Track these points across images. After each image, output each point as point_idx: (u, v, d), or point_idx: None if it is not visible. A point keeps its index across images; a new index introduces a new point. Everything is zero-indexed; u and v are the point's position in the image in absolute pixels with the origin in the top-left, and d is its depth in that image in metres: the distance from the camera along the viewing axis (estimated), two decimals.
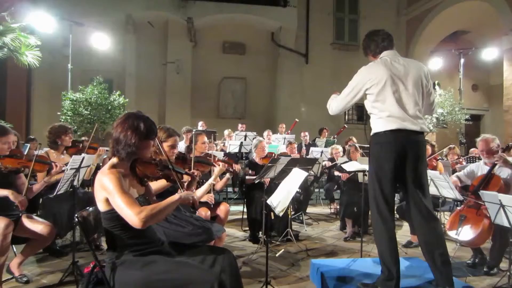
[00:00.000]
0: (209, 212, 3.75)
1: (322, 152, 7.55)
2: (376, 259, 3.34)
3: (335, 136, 9.86)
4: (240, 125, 10.03)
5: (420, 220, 2.76)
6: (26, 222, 3.23)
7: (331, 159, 6.81)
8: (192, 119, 12.64)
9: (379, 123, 2.75)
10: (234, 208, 6.40)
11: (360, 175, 4.71)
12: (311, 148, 8.16)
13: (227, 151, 7.82)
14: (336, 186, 6.46)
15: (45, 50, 9.48)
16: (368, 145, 2.96)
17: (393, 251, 2.72)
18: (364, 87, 2.77)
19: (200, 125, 9.85)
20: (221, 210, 3.99)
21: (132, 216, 1.81)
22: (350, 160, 5.60)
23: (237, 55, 14.31)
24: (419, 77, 2.78)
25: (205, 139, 4.22)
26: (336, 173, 5.71)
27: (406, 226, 4.95)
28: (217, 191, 4.72)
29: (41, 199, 3.98)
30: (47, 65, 10.12)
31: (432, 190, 3.81)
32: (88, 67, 11.76)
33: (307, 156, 7.80)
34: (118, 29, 12.64)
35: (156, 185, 2.59)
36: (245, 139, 8.56)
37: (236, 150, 7.82)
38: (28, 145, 6.86)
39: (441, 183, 3.93)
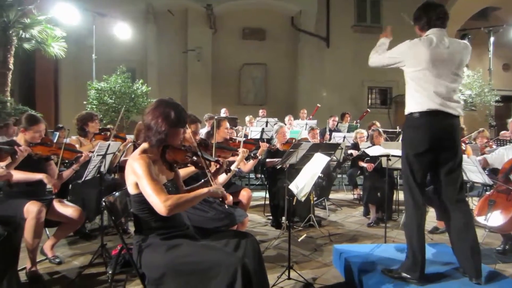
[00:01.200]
0: (231, 198, 3.79)
1: (344, 137, 7.47)
2: (401, 245, 3.33)
3: (358, 120, 9.72)
4: (261, 111, 10.02)
5: (449, 206, 2.70)
6: (57, 206, 3.35)
7: (355, 144, 6.72)
8: (213, 106, 12.72)
9: (414, 103, 2.68)
10: (256, 194, 6.45)
11: (384, 160, 4.64)
12: (333, 134, 8.09)
13: (249, 138, 7.84)
14: (359, 171, 6.40)
15: (70, 41, 9.71)
16: (392, 130, 2.91)
17: (421, 237, 2.68)
18: (402, 63, 2.73)
19: (223, 112, 9.90)
20: (243, 195, 4.02)
21: (159, 203, 1.87)
22: (374, 145, 5.52)
23: (257, 41, 14.21)
24: (461, 62, 2.69)
25: (227, 124, 4.24)
26: (362, 164, 5.62)
27: (431, 211, 4.86)
28: (244, 174, 4.74)
29: (70, 185, 4.12)
30: (73, 55, 10.37)
31: None
32: (112, 56, 11.94)
33: (329, 142, 7.73)
34: (139, 19, 12.76)
35: (184, 171, 2.63)
36: (266, 125, 8.56)
37: (258, 136, 7.83)
38: (57, 133, 7.07)
39: (469, 167, 3.83)
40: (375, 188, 5.07)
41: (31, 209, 3.01)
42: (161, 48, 13.50)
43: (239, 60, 14.17)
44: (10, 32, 8.66)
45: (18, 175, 3.12)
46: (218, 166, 2.43)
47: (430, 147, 2.63)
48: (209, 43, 13.76)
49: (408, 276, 2.67)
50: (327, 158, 3.06)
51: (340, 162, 6.48)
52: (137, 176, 1.96)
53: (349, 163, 7.13)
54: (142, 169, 1.94)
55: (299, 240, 4.32)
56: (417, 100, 2.67)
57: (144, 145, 2.13)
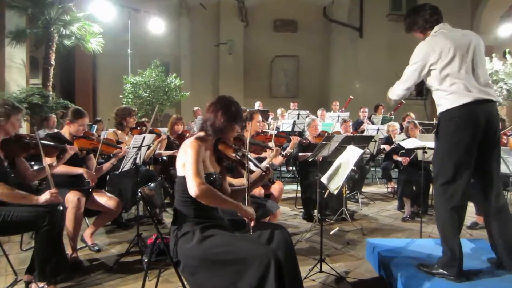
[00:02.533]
0: (262, 190, 3.80)
1: (378, 129, 7.30)
2: (437, 240, 3.22)
3: (392, 112, 9.45)
4: (292, 104, 9.95)
5: (489, 200, 2.60)
6: (96, 196, 3.50)
7: (388, 138, 6.56)
8: (245, 99, 12.76)
9: (450, 99, 2.55)
10: (287, 187, 6.44)
11: (419, 152, 4.50)
12: (366, 126, 7.92)
13: (280, 130, 7.82)
14: (393, 164, 6.25)
15: (107, 37, 10.02)
16: (428, 122, 2.81)
17: (458, 233, 2.60)
18: (428, 63, 2.57)
19: (258, 105, 9.91)
20: (275, 188, 4.02)
21: (193, 183, 1.98)
22: (409, 137, 5.36)
23: (288, 33, 14.10)
24: (481, 45, 2.60)
25: (260, 117, 4.24)
26: (396, 158, 5.47)
27: (470, 206, 4.68)
28: (275, 167, 4.75)
29: (108, 176, 4.28)
30: (109, 51, 10.69)
31: (502, 168, 3.54)
32: (146, 51, 12.23)
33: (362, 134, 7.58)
34: (172, 13, 12.96)
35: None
36: (298, 118, 8.50)
37: (289, 129, 7.80)
38: (95, 126, 7.34)
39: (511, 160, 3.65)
40: (410, 182, 4.93)
41: (71, 198, 3.16)
42: (193, 41, 13.67)
43: (271, 53, 14.11)
44: (52, 29, 9.06)
45: (61, 169, 3.28)
46: (263, 173, 2.44)
47: (472, 139, 2.52)
48: (241, 36, 13.78)
49: (445, 272, 2.59)
50: (360, 151, 3.01)
51: (373, 155, 6.35)
52: (186, 156, 2.08)
53: (383, 156, 6.97)
54: (192, 152, 2.07)
55: (331, 233, 4.28)
56: (451, 99, 2.55)
57: (200, 133, 2.25)
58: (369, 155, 6.18)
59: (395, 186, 6.09)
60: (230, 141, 2.29)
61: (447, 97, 2.57)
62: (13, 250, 3.56)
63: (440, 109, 2.65)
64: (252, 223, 2.14)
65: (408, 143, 4.63)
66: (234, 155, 2.26)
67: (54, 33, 9.13)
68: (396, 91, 2.80)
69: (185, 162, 2.08)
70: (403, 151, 5.22)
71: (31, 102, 7.94)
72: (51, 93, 8.97)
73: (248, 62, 13.90)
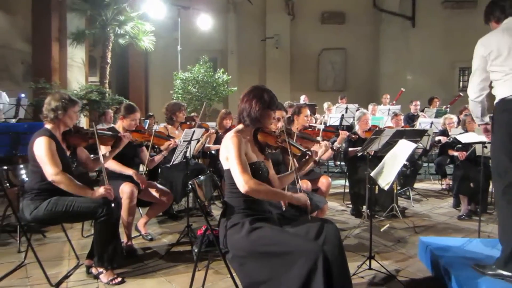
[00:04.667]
0: (310, 184, 3.77)
1: (432, 123, 6.96)
2: (498, 240, 3.04)
3: (448, 105, 8.97)
4: (340, 100, 9.75)
5: None
6: (149, 188, 3.66)
7: (443, 131, 6.23)
8: (291, 93, 12.70)
9: (505, 88, 2.43)
10: (335, 182, 6.34)
11: (478, 147, 4.24)
12: (419, 119, 7.58)
13: (328, 125, 7.70)
14: (448, 160, 5.93)
15: (158, 35, 10.39)
16: (488, 115, 2.64)
17: None
18: (488, 60, 2.52)
19: (303, 99, 9.84)
20: (323, 183, 3.98)
21: (241, 181, 2.02)
22: (466, 131, 5.06)
23: (336, 25, 13.81)
24: None
25: (308, 112, 4.20)
26: (452, 153, 5.18)
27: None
28: (323, 162, 4.70)
29: (160, 169, 4.46)
30: (160, 48, 11.09)
31: None
32: (194, 47, 12.53)
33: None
34: (219, 9, 13.15)
35: None
36: (346, 112, 8.31)
37: (337, 123, 7.65)
38: (148, 121, 7.66)
39: None
40: (467, 178, 4.65)
41: (125, 189, 3.33)
42: (240, 37, 13.79)
43: (318, 45, 13.91)
44: (108, 29, 9.55)
45: (114, 166, 3.48)
46: (307, 157, 2.46)
47: None
48: (288, 30, 13.70)
49: (504, 273, 2.43)
50: (413, 145, 2.89)
51: (426, 150, 6.06)
52: (228, 151, 2.12)
53: (437, 151, 6.64)
54: (234, 146, 2.10)
55: (381, 230, 4.16)
56: (508, 87, 2.43)
57: (239, 126, 2.28)
58: (422, 149, 5.92)
59: (450, 183, 5.79)
60: (269, 129, 2.31)
61: (503, 84, 2.47)
62: (75, 236, 3.83)
63: (497, 98, 2.53)
64: (306, 187, 2.16)
65: (466, 137, 4.38)
66: (275, 141, 2.29)
67: (110, 33, 9.62)
68: (470, 93, 2.70)
69: (228, 158, 2.11)
70: (460, 145, 4.94)
71: (89, 98, 8.44)
72: (107, 89, 9.47)
73: (295, 55, 13.80)
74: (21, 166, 2.81)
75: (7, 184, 2.86)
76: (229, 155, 2.11)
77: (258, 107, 2.19)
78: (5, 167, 2.90)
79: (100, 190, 2.72)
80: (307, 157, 2.50)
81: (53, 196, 2.71)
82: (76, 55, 10.41)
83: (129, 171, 3.51)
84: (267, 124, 2.29)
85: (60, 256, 3.37)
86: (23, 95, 6.29)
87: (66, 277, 2.91)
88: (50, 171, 2.61)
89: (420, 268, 3.17)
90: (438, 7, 12.97)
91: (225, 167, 2.20)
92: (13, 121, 5.82)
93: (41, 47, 9.93)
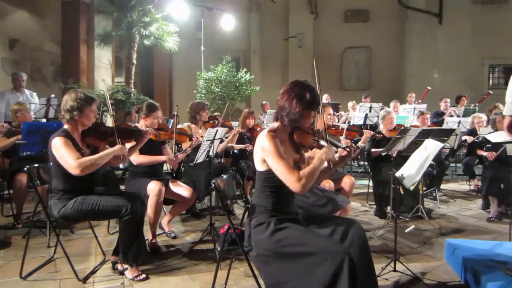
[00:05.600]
0: (332, 184, 3.74)
1: (459, 122, 6.76)
2: None
3: (476, 104, 8.69)
4: (364, 99, 9.60)
5: None
6: (172, 186, 3.72)
7: (472, 130, 6.04)
8: None
9: None
10: (359, 181, 6.26)
11: (509, 147, 4.09)
12: (446, 118, 7.37)
13: (351, 124, 7.60)
14: (477, 160, 5.75)
15: (182, 36, 10.53)
16: None
17: None
18: None
19: (326, 98, 9.76)
20: (346, 182, 3.93)
21: (293, 181, 1.93)
22: (496, 130, 4.89)
23: (360, 23, 13.62)
24: None
25: (331, 110, 4.16)
26: (481, 153, 5.01)
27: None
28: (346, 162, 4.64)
29: (183, 168, 4.52)
30: (184, 48, 11.23)
31: None
32: (217, 47, 12.62)
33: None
34: (242, 9, 13.20)
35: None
36: (370, 111, 8.18)
37: (361, 122, 7.54)
38: (172, 120, 7.76)
39: None
40: (497, 179, 4.49)
41: (153, 187, 3.40)
42: (263, 36, 13.81)
43: (341, 44, 13.75)
44: (133, 30, 9.75)
45: (146, 159, 3.56)
46: (345, 153, 2.35)
47: None
48: (310, 29, 13.61)
49: None
50: (440, 145, 2.82)
51: (454, 150, 5.90)
52: (265, 153, 2.03)
53: (465, 150, 6.44)
54: (272, 147, 2.00)
55: (406, 231, 4.08)
56: None
57: (275, 124, 2.19)
58: (449, 149, 5.76)
59: (479, 184, 5.60)
60: (306, 128, 2.18)
61: None
62: (101, 232, 3.93)
63: None
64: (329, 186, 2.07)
65: (495, 137, 4.24)
66: (312, 141, 2.16)
67: (136, 34, 9.82)
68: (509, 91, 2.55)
69: (267, 159, 2.02)
70: (489, 145, 4.78)
71: (116, 98, 8.64)
72: (133, 89, 9.67)
73: (317, 54, 13.69)
74: (51, 164, 2.90)
75: (38, 182, 2.95)
76: (267, 156, 2.02)
77: (299, 108, 2.06)
78: (36, 165, 2.99)
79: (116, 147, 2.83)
80: (345, 153, 2.36)
81: (78, 195, 2.78)
82: (103, 56, 10.68)
83: (162, 158, 3.66)
84: (305, 124, 2.17)
85: (87, 252, 3.47)
86: (53, 95, 6.50)
87: (93, 272, 2.99)
88: (72, 164, 2.58)
89: (447, 271, 3.09)
90: (466, 2, 12.56)
91: (259, 168, 2.13)
92: (43, 120, 6.02)
93: (70, 49, 10.23)
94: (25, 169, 2.93)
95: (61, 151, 2.64)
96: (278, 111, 2.15)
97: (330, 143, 2.21)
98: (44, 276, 2.93)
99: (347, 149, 2.30)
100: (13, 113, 4.58)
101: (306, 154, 2.36)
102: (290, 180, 1.93)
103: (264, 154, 2.03)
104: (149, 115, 3.71)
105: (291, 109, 2.07)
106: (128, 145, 3.17)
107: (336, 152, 2.32)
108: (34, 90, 6.81)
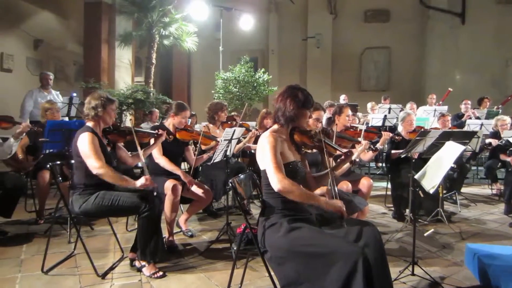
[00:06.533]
0: (350, 186, 3.70)
1: (482, 124, 6.61)
2: None
3: (500, 106, 8.46)
4: (383, 101, 9.47)
5: None
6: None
7: (495, 133, 5.89)
8: (332, 93, 12.52)
9: None
10: (377, 183, 6.18)
11: None
12: (468, 121, 7.21)
13: (370, 125, 7.51)
14: (500, 163, 5.61)
15: (201, 36, 10.60)
16: None
17: None
18: None
19: (343, 99, 9.68)
20: (364, 184, 3.89)
21: (275, 179, 2.02)
22: None
23: (380, 23, 13.44)
24: None
25: (349, 111, 4.13)
26: (505, 158, 4.87)
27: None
28: (364, 163, 4.60)
29: (200, 167, 4.55)
30: (202, 48, 11.30)
31: None
32: (236, 47, 12.66)
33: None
34: (261, 10, 13.20)
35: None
36: (389, 112, 8.07)
37: (379, 123, 7.45)
38: (190, 120, 7.83)
39: None
40: None
41: (169, 185, 3.44)
42: (281, 36, 13.78)
43: (361, 45, 13.60)
44: (153, 31, 9.87)
45: (165, 164, 3.62)
46: (344, 156, 2.42)
47: None
48: (329, 29, 13.51)
49: None
50: (461, 147, 2.76)
51: (475, 153, 5.76)
52: (263, 151, 2.13)
53: (487, 154, 6.29)
54: (269, 145, 2.11)
55: (425, 235, 4.01)
56: None
57: (275, 126, 2.30)
58: (471, 152, 5.63)
59: (502, 188, 5.46)
60: (304, 128, 2.31)
61: None
62: (120, 229, 4.00)
63: None
64: (347, 188, 2.13)
65: None
66: (311, 141, 2.29)
67: (155, 35, 9.94)
68: None
69: (264, 157, 2.12)
70: None
71: (135, 98, 8.77)
72: (152, 89, 9.79)
73: (336, 55, 13.58)
74: (73, 161, 2.98)
75: (60, 178, 3.03)
76: (264, 154, 2.12)
77: (293, 106, 2.19)
78: (58, 162, 3.07)
79: (141, 180, 2.83)
80: (342, 156, 2.44)
81: (99, 190, 2.86)
82: (123, 56, 10.85)
83: (177, 171, 3.61)
84: (302, 123, 2.28)
85: (106, 248, 3.54)
86: (74, 94, 6.65)
87: (112, 268, 3.05)
88: (95, 165, 2.75)
89: (467, 276, 3.02)
90: (490, 2, 12.22)
91: (261, 167, 2.21)
92: (66, 119, 6.16)
93: (91, 49, 10.42)
94: (48, 166, 3.01)
95: (89, 146, 2.77)
96: (275, 113, 2.28)
97: (328, 145, 2.32)
98: (65, 271, 3.01)
99: (344, 151, 2.41)
100: (43, 111, 4.59)
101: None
102: (274, 176, 2.02)
103: (262, 152, 2.14)
104: (178, 114, 3.76)
105: (286, 108, 2.21)
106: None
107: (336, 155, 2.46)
108: (57, 89, 6.99)
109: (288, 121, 2.23)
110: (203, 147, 4.09)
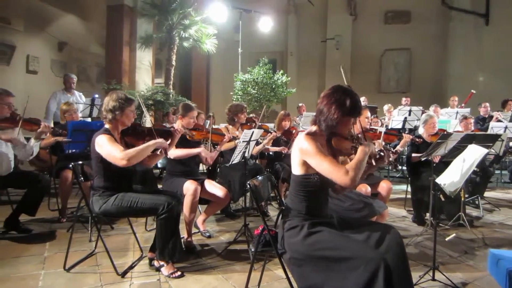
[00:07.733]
0: (369, 189, 3.66)
1: (506, 127, 6.42)
2: None
3: None
4: (404, 99, 9.32)
5: None
6: (208, 186, 3.78)
7: None
8: None
9: None
10: (396, 187, 6.09)
11: None
12: (491, 123, 7.02)
13: (389, 127, 7.40)
14: None
15: (220, 38, 10.68)
16: None
17: None
18: None
19: (363, 101, 9.57)
20: (383, 187, 3.84)
21: (340, 175, 1.90)
22: None
23: (400, 25, 13.26)
24: None
25: (368, 113, 4.08)
26: None
27: None
28: (383, 166, 4.53)
29: (218, 168, 4.58)
30: (222, 50, 11.38)
31: None
32: (254, 49, 12.70)
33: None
34: (280, 11, 13.21)
35: None
36: (409, 114, 7.92)
37: (400, 126, 7.33)
38: (208, 121, 7.88)
39: None
40: None
41: (189, 186, 3.47)
42: (300, 38, 13.75)
43: (381, 46, 13.44)
44: (173, 33, 10.00)
45: (179, 152, 3.66)
46: (379, 157, 2.25)
47: None
48: (349, 30, 13.40)
49: None
50: (484, 151, 2.69)
51: (499, 156, 5.61)
52: (307, 154, 2.00)
53: (511, 157, 6.11)
54: (314, 148, 1.98)
55: (447, 239, 3.92)
56: None
57: (313, 127, 2.17)
58: (494, 155, 5.48)
59: None
60: (345, 134, 2.12)
61: None
62: (139, 229, 4.06)
63: None
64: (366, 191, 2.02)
65: None
66: (350, 147, 2.10)
67: (175, 37, 10.07)
68: None
69: (310, 160, 1.99)
70: None
71: (155, 99, 8.90)
72: (171, 91, 9.92)
73: (355, 57, 13.45)
74: (93, 162, 3.03)
75: (82, 178, 3.09)
76: (309, 157, 1.99)
77: (337, 115, 2.01)
78: (80, 162, 3.14)
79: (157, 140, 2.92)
80: (377, 156, 2.27)
81: (119, 192, 2.90)
82: (144, 58, 11.03)
83: (196, 150, 3.71)
84: (343, 131, 2.11)
85: (126, 247, 3.59)
86: (96, 95, 6.79)
87: (131, 267, 3.10)
88: (117, 155, 2.72)
89: (490, 283, 2.95)
90: None
91: (295, 172, 2.11)
92: (88, 119, 6.30)
93: (113, 51, 10.65)
94: (70, 166, 3.08)
95: (107, 147, 2.78)
96: (316, 115, 2.12)
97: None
98: (86, 269, 3.07)
99: (381, 153, 2.22)
100: (62, 113, 4.77)
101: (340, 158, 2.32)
102: (337, 174, 1.90)
103: (305, 156, 2.01)
104: (185, 115, 3.80)
105: (329, 114, 2.03)
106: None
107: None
108: (80, 91, 7.16)
109: (329, 128, 2.06)
110: (222, 148, 4.13)
